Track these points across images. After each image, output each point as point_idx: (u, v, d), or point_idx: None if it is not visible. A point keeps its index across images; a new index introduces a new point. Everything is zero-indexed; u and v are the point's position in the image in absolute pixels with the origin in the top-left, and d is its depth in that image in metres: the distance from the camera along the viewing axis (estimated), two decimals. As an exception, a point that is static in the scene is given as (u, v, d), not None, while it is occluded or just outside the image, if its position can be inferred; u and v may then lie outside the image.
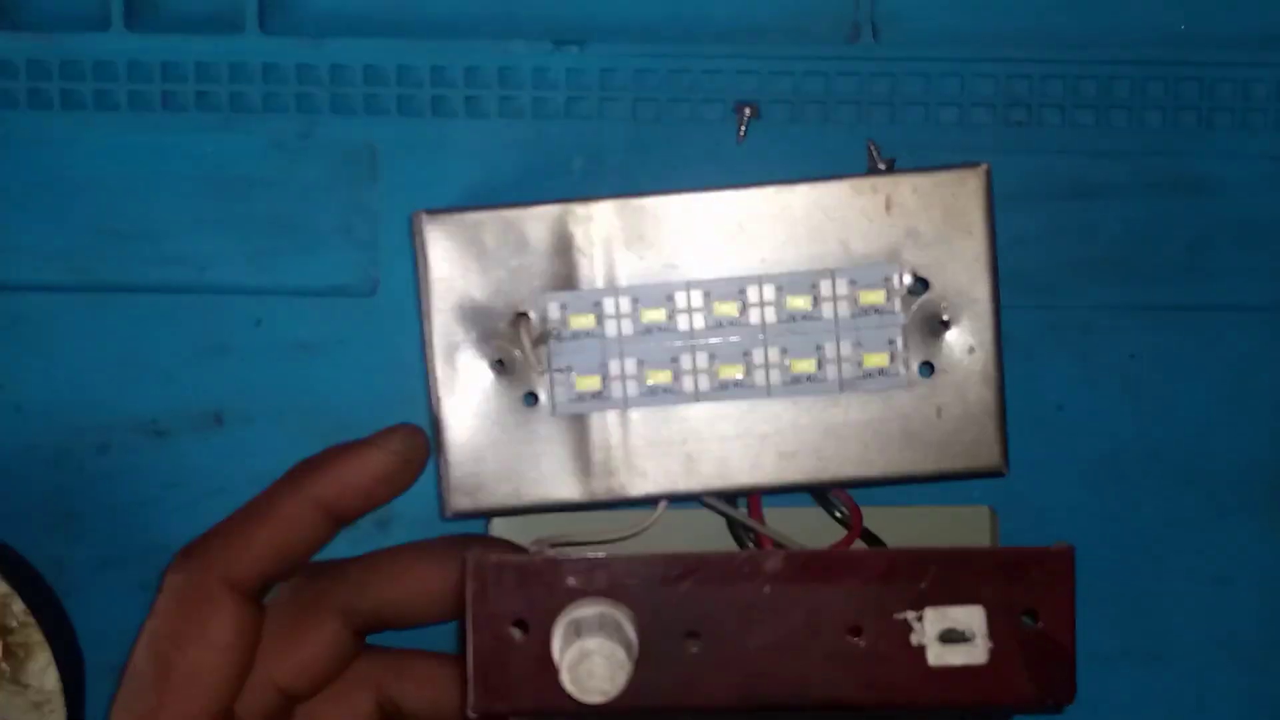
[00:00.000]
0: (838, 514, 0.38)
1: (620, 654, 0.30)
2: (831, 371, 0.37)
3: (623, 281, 0.37)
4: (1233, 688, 0.41)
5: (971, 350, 0.37)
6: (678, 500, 0.37)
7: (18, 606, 0.38)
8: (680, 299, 0.37)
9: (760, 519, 0.38)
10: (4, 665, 0.38)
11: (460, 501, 0.37)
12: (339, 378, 0.40)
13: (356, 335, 0.40)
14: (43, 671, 0.39)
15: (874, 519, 0.38)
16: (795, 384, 0.37)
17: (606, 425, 0.37)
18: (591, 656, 0.30)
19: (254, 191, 0.40)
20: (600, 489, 0.37)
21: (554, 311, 0.37)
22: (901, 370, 0.37)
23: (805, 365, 0.36)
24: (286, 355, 0.40)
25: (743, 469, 0.37)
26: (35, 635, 0.38)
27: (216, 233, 0.40)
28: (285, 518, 0.36)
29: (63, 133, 0.40)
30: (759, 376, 0.37)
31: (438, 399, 0.37)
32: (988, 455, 0.37)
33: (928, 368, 0.37)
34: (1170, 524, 0.41)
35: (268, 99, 0.40)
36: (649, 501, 0.37)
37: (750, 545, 0.38)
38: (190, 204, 0.40)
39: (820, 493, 0.38)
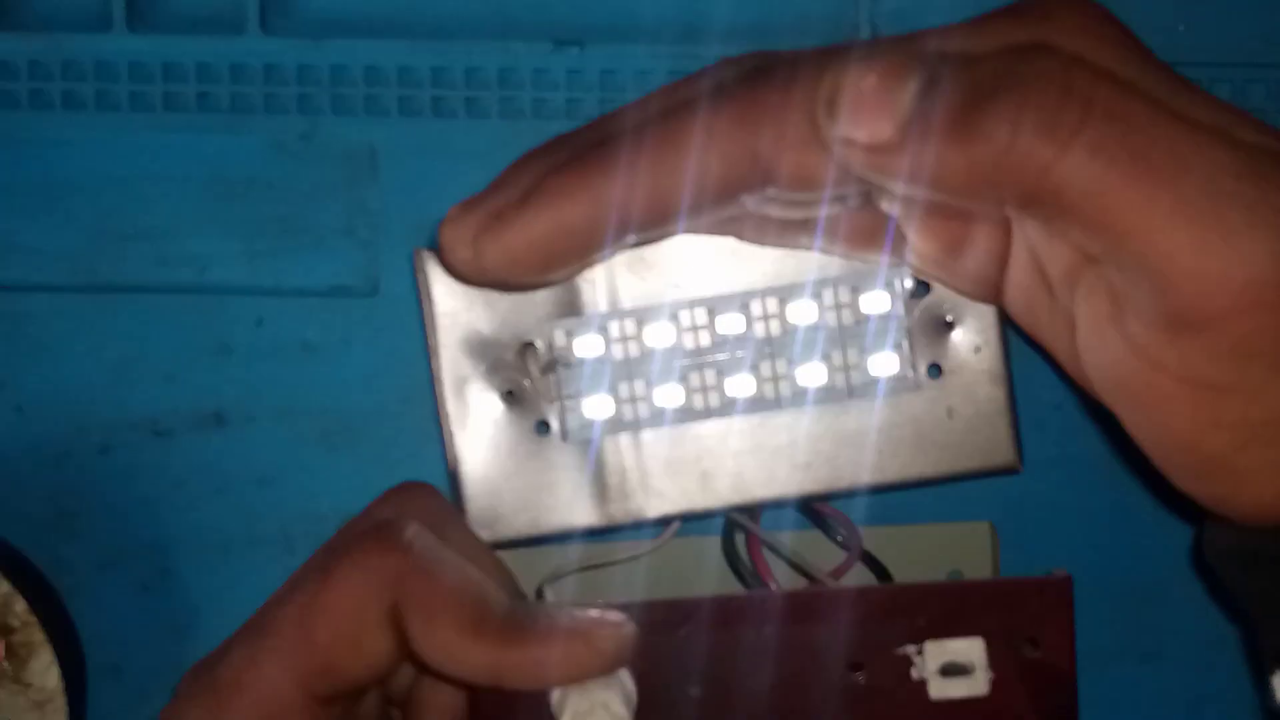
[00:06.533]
0: (838, 536, 0.38)
1: (618, 705, 0.30)
2: (840, 379, 0.36)
3: (626, 304, 0.36)
4: (1233, 688, 0.41)
5: (978, 349, 0.36)
6: (695, 518, 0.37)
7: (19, 606, 0.38)
8: (685, 317, 0.36)
9: (761, 558, 0.38)
10: (6, 664, 0.39)
11: (479, 534, 0.37)
12: (340, 378, 0.40)
13: (357, 335, 0.40)
14: (44, 671, 0.39)
15: (874, 539, 0.38)
16: (805, 394, 0.36)
17: (620, 448, 0.37)
18: (591, 711, 0.30)
19: (255, 192, 0.40)
20: (618, 512, 0.37)
21: (560, 339, 0.36)
22: (910, 374, 0.37)
23: (813, 375, 0.36)
24: (287, 355, 0.40)
25: (759, 482, 0.37)
26: (37, 635, 0.38)
27: (218, 233, 0.40)
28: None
29: (64, 133, 0.40)
30: (768, 389, 0.37)
31: (450, 434, 0.37)
32: (1002, 453, 0.37)
33: (935, 369, 0.37)
34: (1170, 523, 0.41)
35: (269, 100, 0.40)
36: (668, 522, 0.37)
37: (748, 573, 0.38)
38: (191, 205, 0.40)
39: (819, 516, 0.38)
